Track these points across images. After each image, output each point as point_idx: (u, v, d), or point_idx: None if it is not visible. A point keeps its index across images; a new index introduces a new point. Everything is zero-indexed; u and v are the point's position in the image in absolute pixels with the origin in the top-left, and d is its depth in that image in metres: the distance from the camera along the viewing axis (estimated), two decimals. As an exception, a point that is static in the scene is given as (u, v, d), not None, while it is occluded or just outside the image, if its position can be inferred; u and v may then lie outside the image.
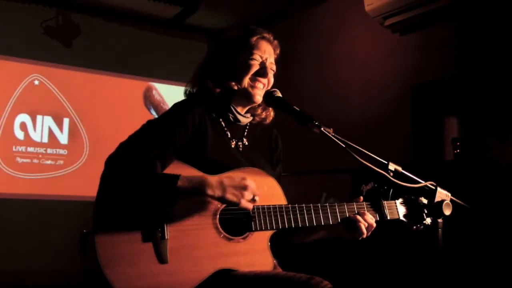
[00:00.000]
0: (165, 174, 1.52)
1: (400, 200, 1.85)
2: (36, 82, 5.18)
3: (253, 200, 1.55)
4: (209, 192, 1.50)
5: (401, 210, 1.84)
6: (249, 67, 1.74)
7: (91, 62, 5.39)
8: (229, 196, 1.51)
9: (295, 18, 5.07)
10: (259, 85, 1.75)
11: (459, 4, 3.35)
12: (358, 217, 1.73)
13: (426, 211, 1.81)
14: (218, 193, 1.50)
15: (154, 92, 5.79)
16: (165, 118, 1.67)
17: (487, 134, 3.17)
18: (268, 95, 1.74)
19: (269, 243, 1.67)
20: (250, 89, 1.74)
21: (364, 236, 1.75)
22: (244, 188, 1.53)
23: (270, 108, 1.85)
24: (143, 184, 1.49)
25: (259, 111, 1.84)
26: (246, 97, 1.75)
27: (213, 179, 1.52)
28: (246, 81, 1.74)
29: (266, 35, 1.80)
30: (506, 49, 3.17)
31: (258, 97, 1.75)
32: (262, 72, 1.75)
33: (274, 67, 1.81)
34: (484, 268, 2.51)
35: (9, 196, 4.91)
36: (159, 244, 1.50)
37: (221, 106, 1.76)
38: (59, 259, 4.83)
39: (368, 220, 1.74)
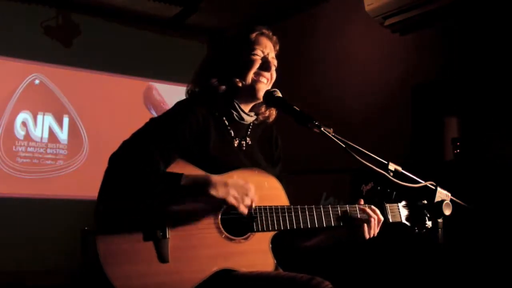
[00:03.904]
0: (169, 172, 1.52)
1: (403, 203, 1.84)
2: (37, 82, 5.18)
3: (250, 207, 1.56)
4: (212, 191, 1.50)
5: (404, 213, 1.83)
6: (251, 62, 1.75)
7: (91, 62, 5.38)
8: (231, 199, 1.51)
9: (295, 18, 5.06)
10: (263, 79, 1.76)
11: (459, 4, 3.35)
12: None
13: (428, 214, 1.79)
14: (221, 193, 1.51)
15: (154, 92, 5.79)
16: (169, 116, 1.67)
17: (487, 134, 3.17)
18: (268, 95, 1.73)
19: (271, 245, 1.67)
20: (254, 85, 1.74)
21: (367, 233, 1.72)
22: (247, 193, 1.54)
23: None
24: (146, 183, 1.49)
25: (262, 109, 1.84)
26: (250, 93, 1.75)
27: (217, 179, 1.53)
28: (250, 76, 1.74)
29: (265, 31, 1.82)
30: (507, 49, 3.17)
31: (262, 92, 1.75)
32: (265, 66, 1.77)
33: (275, 62, 1.82)
34: (485, 268, 2.51)
35: (9, 196, 4.91)
36: (160, 243, 1.50)
37: (225, 104, 1.76)
38: (59, 259, 4.83)
39: (369, 212, 1.73)
